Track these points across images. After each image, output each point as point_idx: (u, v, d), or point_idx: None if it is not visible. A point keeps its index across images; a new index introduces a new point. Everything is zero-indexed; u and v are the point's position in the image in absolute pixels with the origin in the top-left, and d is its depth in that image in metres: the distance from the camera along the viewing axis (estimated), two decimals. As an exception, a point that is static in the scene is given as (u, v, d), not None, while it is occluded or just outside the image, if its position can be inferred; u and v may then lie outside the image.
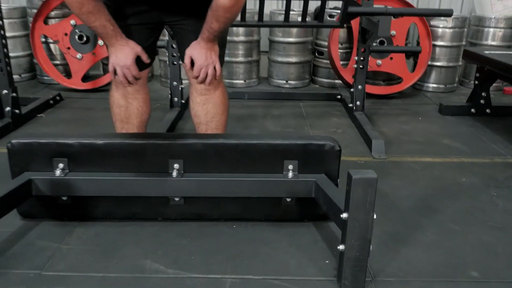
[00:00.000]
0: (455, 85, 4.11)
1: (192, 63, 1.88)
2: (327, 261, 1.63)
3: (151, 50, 1.96)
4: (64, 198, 1.78)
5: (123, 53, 1.78)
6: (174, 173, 1.74)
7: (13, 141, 1.74)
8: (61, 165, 1.74)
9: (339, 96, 3.62)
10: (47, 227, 1.80)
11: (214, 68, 1.89)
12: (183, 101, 3.19)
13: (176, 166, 1.75)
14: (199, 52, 1.84)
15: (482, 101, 3.30)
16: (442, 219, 1.93)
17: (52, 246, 1.68)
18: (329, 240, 1.76)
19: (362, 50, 3.03)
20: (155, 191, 1.76)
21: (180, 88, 3.13)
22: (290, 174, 1.76)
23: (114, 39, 1.76)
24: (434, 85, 4.05)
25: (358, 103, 3.12)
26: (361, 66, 3.07)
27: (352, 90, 3.15)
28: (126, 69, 1.81)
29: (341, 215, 1.43)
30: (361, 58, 3.04)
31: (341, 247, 1.46)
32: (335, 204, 1.52)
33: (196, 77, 1.90)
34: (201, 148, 1.75)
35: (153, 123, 3.03)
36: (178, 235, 1.77)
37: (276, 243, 1.73)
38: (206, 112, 2.00)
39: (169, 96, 3.17)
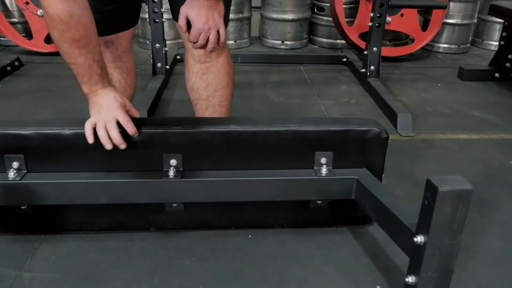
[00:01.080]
0: (468, 45, 3.71)
1: (189, 24, 1.41)
2: (378, 287, 1.25)
3: (135, 4, 1.48)
4: (23, 206, 1.33)
5: (110, 105, 1.23)
6: (171, 172, 1.30)
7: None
8: (15, 164, 1.27)
9: (345, 59, 3.18)
10: (1, 245, 1.35)
11: (218, 32, 1.42)
12: (167, 67, 2.70)
13: (173, 162, 1.31)
14: (199, 12, 1.37)
15: (508, 65, 2.91)
16: (504, 218, 1.57)
17: (9, 275, 1.24)
18: (374, 253, 1.37)
19: (380, 5, 2.57)
20: (146, 197, 1.32)
21: (163, 51, 2.63)
22: (324, 170, 1.35)
23: (99, 85, 1.25)
24: (446, 45, 3.64)
25: (372, 68, 2.69)
26: (377, 24, 2.61)
27: (365, 52, 2.71)
28: (113, 120, 1.22)
29: (414, 238, 1.03)
30: (378, 15, 2.59)
31: (410, 279, 1.07)
32: (400, 221, 1.12)
33: (194, 43, 1.44)
34: (206, 137, 1.31)
35: (135, 92, 2.56)
36: (178, 251, 1.35)
37: (307, 260, 1.33)
38: (207, 84, 1.55)
39: (151, 60, 2.67)
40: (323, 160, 1.36)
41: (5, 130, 1.26)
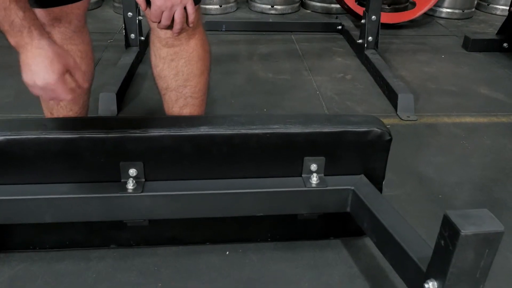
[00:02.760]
0: (473, 9, 3.43)
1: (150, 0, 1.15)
2: (376, 319, 1.07)
3: None
4: (-47, 225, 1.11)
5: (46, 64, 0.94)
6: (130, 185, 1.08)
7: None
8: None
9: (340, 27, 2.90)
10: None
11: (185, 9, 1.16)
12: (142, 38, 2.41)
13: (132, 172, 1.08)
14: None
15: (518, 34, 2.66)
16: (520, 225, 1.37)
17: None
18: (372, 273, 1.18)
19: (380, -34, 2.28)
20: (101, 214, 1.09)
21: (137, 21, 2.34)
22: (314, 179, 1.13)
23: (26, 35, 0.93)
24: (449, 10, 3.36)
25: (370, 38, 2.42)
26: (377, -11, 2.33)
27: (363, 21, 2.44)
28: (50, 91, 0.96)
29: (425, 284, 0.83)
30: (378, -22, 2.31)
31: (418, 328, 0.87)
32: (407, 254, 0.91)
33: (158, 23, 1.17)
34: (171, 142, 1.08)
35: (105, 68, 2.29)
36: (142, 274, 1.14)
37: (294, 284, 1.14)
38: (176, 72, 1.29)
39: (124, 31, 2.38)
40: (313, 167, 1.13)
41: None
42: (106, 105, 1.88)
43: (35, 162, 1.06)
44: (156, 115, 1.38)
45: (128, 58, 2.26)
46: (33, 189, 1.07)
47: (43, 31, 0.96)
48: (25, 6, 0.94)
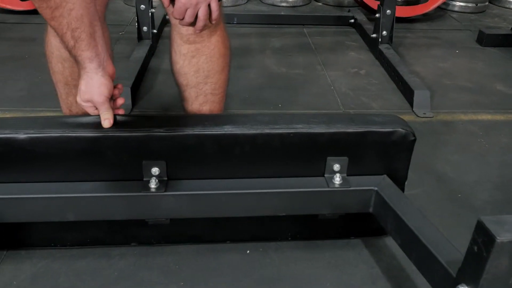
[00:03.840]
0: (486, 3, 3.39)
1: None
2: (399, 321, 1.07)
3: None
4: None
5: (79, 91, 1.06)
6: (153, 184, 1.07)
7: None
8: (-39, 175, 1.04)
9: (352, 21, 2.87)
10: (-46, 266, 1.15)
11: (209, 7, 1.15)
12: (154, 31, 2.39)
13: (155, 171, 1.08)
14: None
15: (534, 29, 2.63)
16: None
17: (-40, 309, 1.04)
18: (394, 274, 1.17)
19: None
20: (123, 213, 1.09)
21: (150, 13, 2.32)
22: (337, 180, 1.12)
23: (75, 59, 1.02)
24: (462, 4, 3.32)
25: (384, 33, 2.40)
26: (392, -17, 2.31)
27: (377, 15, 2.41)
28: (91, 107, 1.08)
29: (456, 289, 0.82)
30: (394, -28, 2.28)
31: (447, 333, 0.87)
32: (435, 258, 0.90)
33: (180, 19, 1.16)
34: (195, 141, 1.07)
35: (118, 61, 2.26)
36: (163, 273, 1.14)
37: (316, 284, 1.13)
38: (197, 69, 1.28)
39: (136, 23, 2.36)
40: (336, 167, 1.13)
41: None
42: (121, 99, 1.87)
43: (59, 160, 1.06)
44: (178, 113, 1.36)
45: (141, 51, 2.25)
46: (56, 188, 1.07)
47: (88, 63, 1.02)
48: (80, 33, 0.98)
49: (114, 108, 1.11)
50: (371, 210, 1.15)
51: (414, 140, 1.13)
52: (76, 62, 1.03)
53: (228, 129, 1.07)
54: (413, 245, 0.99)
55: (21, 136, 1.02)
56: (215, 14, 1.17)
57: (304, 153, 1.11)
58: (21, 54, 2.35)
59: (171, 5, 1.17)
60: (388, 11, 2.35)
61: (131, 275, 1.13)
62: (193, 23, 1.18)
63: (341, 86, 2.15)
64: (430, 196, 1.45)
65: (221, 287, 1.11)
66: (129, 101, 1.87)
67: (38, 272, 1.14)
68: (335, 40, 2.70)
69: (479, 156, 1.68)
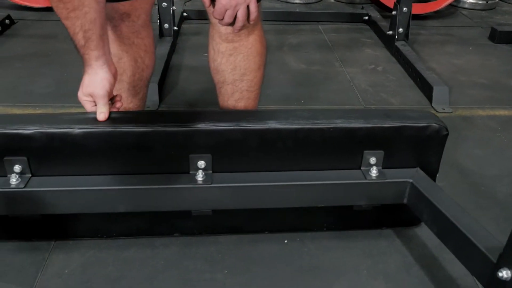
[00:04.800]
0: (497, 0, 3.43)
1: None
2: (435, 306, 1.12)
3: None
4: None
5: (82, 84, 1.10)
6: (199, 176, 1.12)
7: None
8: (17, 168, 1.09)
9: (366, 17, 2.92)
10: (8, 256, 1.19)
11: (248, 8, 1.19)
12: (175, 28, 2.44)
13: (201, 164, 1.13)
14: None
15: (545, 26, 2.67)
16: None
17: (19, 295, 1.09)
18: (426, 262, 1.23)
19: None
20: (171, 204, 1.14)
21: (171, 11, 2.37)
22: (373, 172, 1.17)
23: (83, 56, 1.06)
24: (472, 1, 3.36)
25: (400, 30, 2.45)
26: (409, -19, 2.35)
27: (393, 13, 2.46)
28: (90, 102, 1.12)
29: (499, 273, 0.88)
30: (411, -30, 2.32)
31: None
32: (474, 245, 0.96)
33: (220, 19, 1.21)
34: (240, 136, 1.12)
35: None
36: (208, 262, 1.20)
37: (353, 273, 1.19)
38: (234, 67, 1.33)
39: (157, 20, 2.41)
40: (372, 160, 1.18)
41: (3, 130, 1.06)
42: (149, 95, 1.90)
43: (110, 154, 1.11)
44: (221, 109, 1.41)
45: (164, 48, 2.30)
46: (107, 180, 1.12)
47: (94, 58, 1.06)
48: (92, 34, 1.03)
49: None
50: (405, 201, 1.20)
51: (447, 135, 1.19)
52: (83, 59, 1.07)
53: (271, 124, 1.12)
54: (450, 233, 1.04)
55: (76, 131, 1.07)
56: (253, 15, 1.22)
57: (342, 147, 1.17)
58: (45, 51, 2.39)
59: (211, 6, 1.22)
60: (404, 8, 2.40)
61: (176, 264, 1.19)
62: (232, 23, 1.22)
63: (360, 82, 2.20)
64: (454, 189, 1.50)
65: (264, 275, 1.17)
66: (156, 98, 1.92)
67: (87, 261, 1.19)
68: (351, 37, 2.75)
69: (499, 151, 1.73)
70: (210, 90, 2.05)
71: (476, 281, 1.16)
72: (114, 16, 1.24)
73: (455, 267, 1.20)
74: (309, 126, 1.13)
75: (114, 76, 1.12)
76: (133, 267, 1.17)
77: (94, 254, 1.21)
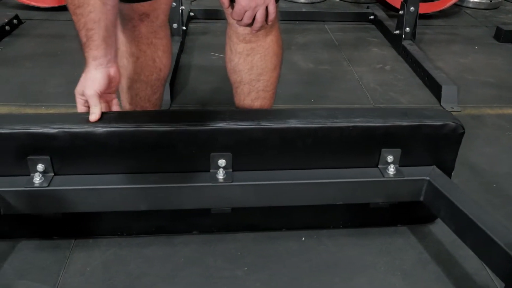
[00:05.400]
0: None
1: None
2: (453, 301, 1.14)
3: None
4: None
5: (80, 80, 1.11)
6: (220, 175, 1.14)
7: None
8: (40, 167, 1.10)
9: (372, 17, 2.93)
10: (29, 254, 1.20)
11: (266, 9, 1.21)
12: (184, 28, 2.46)
13: (221, 162, 1.14)
14: None
15: (550, 25, 2.70)
16: None
17: (43, 293, 1.11)
18: (442, 259, 1.24)
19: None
20: (192, 202, 1.16)
21: (180, 11, 2.38)
22: (391, 170, 1.19)
23: (84, 53, 1.07)
24: (476, 0, 3.38)
25: (407, 29, 2.47)
26: (416, -19, 2.37)
27: (401, 12, 2.48)
28: (81, 101, 1.13)
29: (521, 270, 0.90)
30: (418, -30, 2.34)
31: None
32: (492, 240, 0.97)
33: (238, 20, 1.23)
34: (260, 135, 1.14)
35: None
36: (227, 260, 1.21)
37: (371, 269, 1.21)
38: (251, 67, 1.35)
39: (165, 21, 2.42)
40: (389, 158, 1.19)
41: (27, 129, 1.07)
42: (160, 95, 1.93)
43: (132, 153, 1.12)
44: (240, 108, 1.42)
45: (173, 48, 2.30)
46: (129, 179, 1.13)
47: (94, 59, 1.06)
48: (93, 34, 1.04)
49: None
50: (422, 198, 1.22)
51: (463, 133, 1.20)
52: (84, 57, 1.08)
53: (292, 123, 1.14)
54: (469, 230, 1.06)
55: (100, 130, 1.08)
56: (272, 16, 1.23)
57: (360, 145, 1.18)
58: (54, 51, 2.40)
59: (230, 7, 1.23)
60: (411, 8, 2.41)
61: (197, 261, 1.20)
62: (250, 24, 1.24)
63: (368, 81, 2.21)
64: (467, 187, 1.52)
65: (283, 272, 1.18)
66: (168, 97, 1.93)
67: (108, 259, 1.20)
68: (357, 36, 2.76)
69: (509, 149, 1.75)
70: (221, 89, 2.08)
71: (492, 277, 1.19)
72: (134, 17, 1.25)
73: (470, 263, 1.22)
74: (328, 125, 1.14)
75: (112, 79, 1.10)
76: (154, 264, 1.19)
77: (114, 252, 1.22)
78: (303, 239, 1.29)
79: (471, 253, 1.23)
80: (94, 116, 1.08)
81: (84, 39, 1.05)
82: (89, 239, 1.25)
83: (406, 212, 1.32)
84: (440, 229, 1.32)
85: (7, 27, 2.56)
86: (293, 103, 1.98)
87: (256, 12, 1.20)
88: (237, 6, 1.19)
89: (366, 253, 1.25)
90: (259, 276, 1.17)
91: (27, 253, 1.20)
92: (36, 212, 1.16)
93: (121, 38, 1.30)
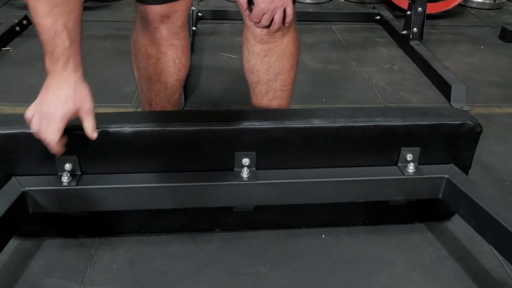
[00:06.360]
0: (504, 0, 3.49)
1: (251, 0, 1.22)
2: (472, 297, 1.16)
3: None
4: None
5: (61, 98, 0.94)
6: (244, 173, 1.16)
7: (-11, 131, 1.09)
8: (68, 166, 1.12)
9: (378, 17, 2.96)
10: (55, 252, 1.22)
11: (284, 11, 1.23)
12: (194, 28, 2.48)
13: (245, 161, 1.17)
14: None
15: (555, 25, 2.73)
16: None
17: (71, 290, 1.13)
18: (460, 255, 1.27)
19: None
20: (217, 201, 1.18)
21: (190, 11, 2.40)
22: (410, 168, 1.21)
23: (60, 64, 0.92)
24: (480, 0, 3.41)
25: (415, 29, 2.49)
26: (424, -19, 2.40)
27: (408, 13, 2.50)
28: (48, 122, 0.95)
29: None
30: (426, -29, 2.37)
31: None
32: (517, 236, 1.00)
33: (256, 22, 1.25)
34: (284, 134, 1.16)
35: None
36: (250, 257, 1.24)
37: (391, 265, 1.23)
38: (268, 67, 1.37)
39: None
40: (409, 157, 1.22)
41: (56, 129, 1.09)
42: (174, 95, 1.95)
43: (158, 152, 1.14)
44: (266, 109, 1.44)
45: (183, 48, 2.32)
46: (155, 178, 1.15)
47: (79, 66, 0.96)
48: (75, 36, 0.93)
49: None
50: (440, 196, 1.24)
51: (481, 132, 1.23)
52: (59, 66, 0.93)
53: (314, 123, 1.16)
54: (489, 226, 1.09)
55: (127, 129, 1.11)
56: (289, 18, 1.25)
57: (380, 144, 1.21)
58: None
59: (248, 9, 1.25)
60: (419, 8, 2.44)
61: (220, 258, 1.22)
62: (267, 26, 1.26)
63: (378, 81, 2.24)
64: (480, 184, 1.55)
65: (305, 268, 1.21)
66: (182, 97, 1.95)
67: (133, 257, 1.22)
68: (364, 36, 2.79)
69: (519, 147, 1.78)
70: (233, 89, 2.11)
71: (509, 272, 1.21)
72: (155, 19, 1.27)
73: (487, 259, 1.25)
74: (350, 124, 1.17)
75: None
76: (179, 262, 1.21)
77: (139, 250, 1.24)
78: (323, 236, 1.31)
79: (487, 249, 1.27)
80: (97, 132, 1.01)
81: (67, 42, 0.91)
82: (114, 237, 1.27)
83: (423, 210, 1.35)
84: (456, 226, 1.35)
85: (17, 28, 2.58)
86: (305, 102, 2.00)
87: (274, 15, 1.22)
88: (255, 8, 1.21)
89: (385, 249, 1.28)
90: (282, 272, 1.19)
91: (53, 252, 1.22)
92: (64, 211, 1.18)
93: (141, 40, 1.32)
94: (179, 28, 1.33)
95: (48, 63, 0.94)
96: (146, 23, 1.30)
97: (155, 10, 1.27)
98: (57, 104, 0.94)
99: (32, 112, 0.98)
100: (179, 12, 1.29)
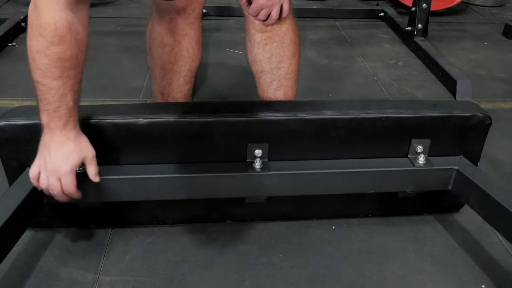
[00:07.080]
0: (506, -3, 3.51)
1: None
2: (483, 286, 1.17)
3: None
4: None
5: (64, 153, 1.01)
6: (257, 164, 1.17)
7: (4, 122, 1.10)
8: (83, 157, 1.13)
9: (382, 14, 2.97)
10: (69, 243, 1.23)
11: (281, 7, 1.25)
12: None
13: (258, 152, 1.18)
14: None
15: (558, 22, 2.74)
16: None
17: (86, 280, 1.13)
18: (469, 246, 1.28)
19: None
20: (230, 191, 1.19)
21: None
22: (421, 160, 1.23)
23: (61, 123, 0.98)
24: (483, -3, 3.43)
25: (420, 26, 2.50)
26: (429, -22, 2.41)
27: (413, 9, 2.52)
28: (58, 179, 1.02)
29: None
30: (431, -33, 2.38)
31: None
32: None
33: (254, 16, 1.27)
34: (296, 125, 1.17)
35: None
36: (262, 247, 1.25)
37: (402, 256, 1.24)
38: (270, 55, 1.38)
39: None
40: (419, 149, 1.23)
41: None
42: (181, 90, 1.96)
43: (172, 143, 1.15)
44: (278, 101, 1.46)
45: (189, 44, 2.33)
46: (169, 169, 1.16)
47: (77, 121, 1.02)
48: (78, 96, 1.00)
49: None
50: (450, 187, 1.26)
51: (491, 124, 1.24)
52: (61, 124, 0.99)
53: (326, 114, 1.17)
54: (500, 216, 1.10)
55: (142, 121, 1.12)
56: (285, 13, 1.28)
57: (391, 136, 1.22)
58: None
59: (247, 4, 1.27)
60: (424, 5, 2.45)
61: (233, 249, 1.24)
62: (264, 20, 1.28)
63: (383, 76, 2.25)
64: (487, 177, 1.56)
65: (317, 259, 1.22)
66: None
67: (146, 247, 1.23)
68: (368, 33, 2.80)
69: (525, 141, 1.79)
70: (239, 84, 2.12)
71: (518, 262, 1.23)
72: (171, 11, 1.28)
73: (496, 249, 1.27)
74: (362, 115, 1.18)
75: None
76: (192, 252, 1.22)
77: (152, 240, 1.25)
78: (333, 227, 1.32)
79: (496, 240, 1.29)
80: (99, 176, 1.07)
81: (70, 103, 0.98)
82: (126, 228, 1.28)
83: (433, 201, 1.36)
84: (464, 218, 1.37)
85: (23, 24, 2.59)
86: (312, 97, 2.01)
87: (271, 11, 1.24)
88: (254, 3, 1.23)
89: (396, 240, 1.29)
90: (294, 262, 1.20)
91: (67, 242, 1.24)
92: (76, 202, 1.18)
93: (157, 29, 1.33)
94: (194, 19, 1.34)
95: (46, 119, 0.98)
96: (162, 13, 1.32)
97: (172, 3, 1.29)
98: (62, 161, 1.00)
99: (36, 170, 1.03)
100: (195, 4, 1.31)
